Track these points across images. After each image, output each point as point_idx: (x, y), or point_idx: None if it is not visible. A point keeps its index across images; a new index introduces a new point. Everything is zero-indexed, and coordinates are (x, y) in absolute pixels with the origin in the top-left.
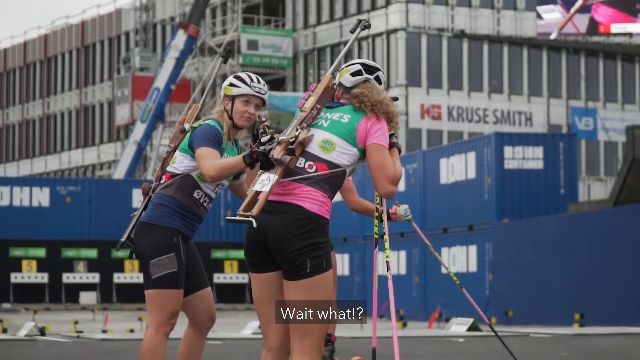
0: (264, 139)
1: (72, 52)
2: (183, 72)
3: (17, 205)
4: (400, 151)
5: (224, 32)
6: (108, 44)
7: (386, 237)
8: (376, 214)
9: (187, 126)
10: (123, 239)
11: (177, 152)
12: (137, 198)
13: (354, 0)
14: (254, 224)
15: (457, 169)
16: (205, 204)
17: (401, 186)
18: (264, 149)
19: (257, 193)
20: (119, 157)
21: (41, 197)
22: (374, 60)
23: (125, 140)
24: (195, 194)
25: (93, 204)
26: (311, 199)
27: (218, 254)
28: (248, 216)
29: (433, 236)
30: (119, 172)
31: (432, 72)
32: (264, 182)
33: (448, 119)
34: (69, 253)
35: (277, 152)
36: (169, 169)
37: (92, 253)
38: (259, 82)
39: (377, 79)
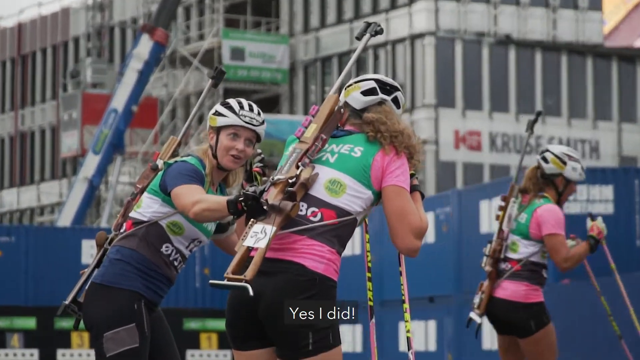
0: (250, 189)
1: (6, 64)
2: (148, 89)
3: None
4: (423, 196)
5: (201, 37)
6: (51, 53)
7: (406, 306)
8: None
9: (160, 163)
10: (67, 302)
11: (145, 195)
12: (89, 251)
13: None
14: (250, 292)
15: None
16: (176, 263)
17: (429, 236)
18: (254, 191)
19: (250, 250)
20: (65, 198)
21: None
22: (394, 75)
23: (73, 177)
24: (163, 249)
25: (31, 259)
26: (315, 256)
27: (192, 324)
28: (240, 280)
29: (471, 301)
30: (65, 218)
31: (469, 88)
32: (259, 236)
33: (490, 150)
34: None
35: (272, 196)
36: (132, 214)
37: (30, 323)
38: (251, 110)
39: (395, 100)
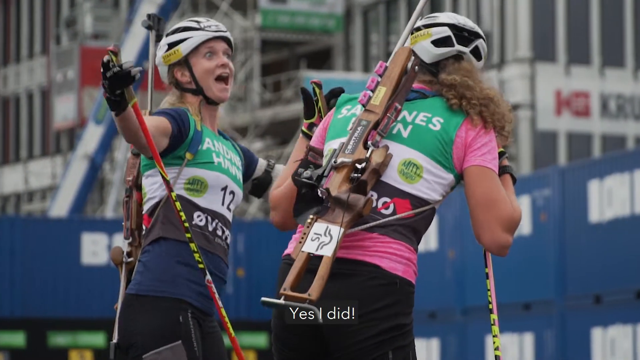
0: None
1: None
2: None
3: None
4: (515, 180)
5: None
6: None
7: (494, 316)
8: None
9: None
10: (115, 340)
11: (143, 179)
12: (89, 249)
13: None
14: (318, 317)
15: (617, 197)
16: (219, 233)
17: (523, 227)
18: (310, 177)
19: (311, 258)
20: (60, 180)
21: None
22: (478, 20)
23: (70, 153)
24: (196, 220)
25: (17, 258)
26: (392, 255)
27: (60, 339)
28: (303, 300)
29: (578, 308)
30: (60, 206)
31: (574, 37)
32: (322, 240)
33: (601, 115)
34: None
35: (335, 185)
36: (144, 209)
37: (18, 339)
38: (208, 20)
39: (476, 51)
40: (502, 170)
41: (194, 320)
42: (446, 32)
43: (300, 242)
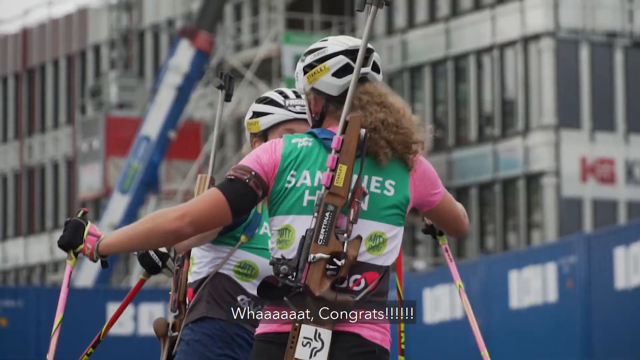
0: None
1: (8, 80)
2: (188, 110)
3: None
4: None
5: (256, 42)
6: (65, 66)
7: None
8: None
9: None
10: None
11: (193, 250)
12: (117, 319)
13: None
14: None
15: None
16: (246, 307)
17: (550, 294)
18: (284, 272)
19: None
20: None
21: None
22: (502, 88)
23: (96, 223)
24: (240, 302)
25: (43, 330)
26: (370, 324)
27: None
28: None
29: None
30: (86, 277)
31: (599, 104)
32: (314, 345)
33: (627, 182)
34: None
35: (314, 282)
36: (189, 281)
37: None
38: (297, 96)
39: (374, 66)
40: None
41: None
42: (343, 60)
43: (290, 348)
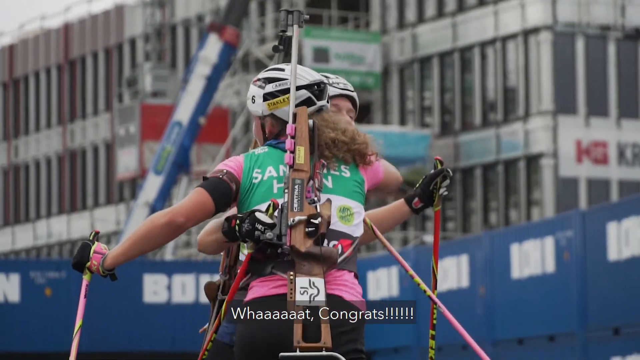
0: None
1: (51, 71)
2: (217, 98)
3: None
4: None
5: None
6: (104, 58)
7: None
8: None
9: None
10: None
11: None
12: (151, 288)
13: None
14: None
15: (634, 237)
16: None
17: (548, 265)
18: (272, 237)
19: (303, 326)
20: (123, 226)
21: (7, 288)
22: (504, 77)
23: (132, 201)
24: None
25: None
26: (349, 288)
27: None
28: (320, 349)
29: (598, 340)
30: None
31: (593, 91)
32: (311, 292)
33: (618, 163)
34: None
35: (298, 242)
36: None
37: None
38: (337, 77)
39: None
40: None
41: None
42: (305, 94)
43: (290, 297)
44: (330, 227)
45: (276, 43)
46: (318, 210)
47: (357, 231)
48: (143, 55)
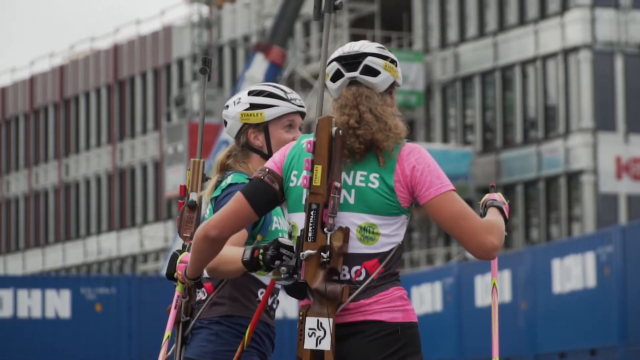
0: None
1: (101, 91)
2: None
3: (23, 317)
4: (504, 212)
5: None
6: (152, 78)
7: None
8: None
9: (194, 197)
10: None
11: None
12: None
13: (514, 7)
14: None
15: None
16: (274, 305)
17: (589, 281)
18: (287, 275)
19: (313, 354)
20: (172, 243)
21: (58, 304)
22: (545, 95)
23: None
24: (260, 296)
25: (134, 314)
26: (388, 307)
27: None
28: None
29: (637, 354)
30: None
31: (632, 109)
32: (317, 334)
33: None
34: None
35: (309, 276)
36: (204, 273)
37: None
38: (292, 91)
39: (368, 68)
40: (489, 205)
41: None
42: (335, 67)
43: (300, 340)
44: (350, 251)
45: (203, 64)
46: (328, 242)
47: (388, 245)
48: (190, 75)
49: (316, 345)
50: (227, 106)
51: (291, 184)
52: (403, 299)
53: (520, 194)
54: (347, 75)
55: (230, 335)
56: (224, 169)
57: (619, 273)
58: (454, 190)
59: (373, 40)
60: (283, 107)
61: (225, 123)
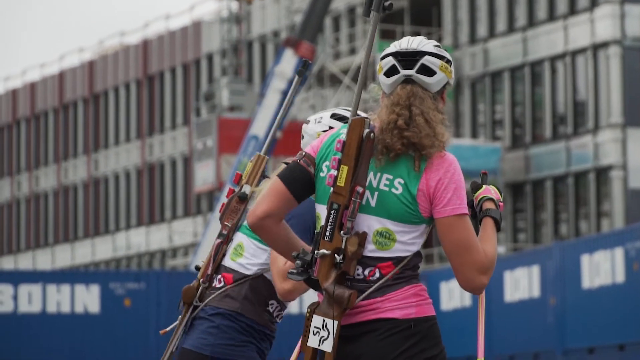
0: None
1: (130, 86)
2: (293, 112)
3: (52, 312)
4: (498, 224)
5: (352, 51)
6: (182, 73)
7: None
8: None
9: (247, 190)
10: None
11: (245, 240)
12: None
13: (543, 3)
14: None
15: None
16: (278, 320)
17: (618, 276)
18: (301, 269)
19: (315, 351)
20: (201, 238)
21: (87, 299)
22: (574, 90)
23: (209, 213)
24: (269, 307)
25: (164, 308)
26: (401, 304)
27: None
28: None
29: None
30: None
31: None
32: (322, 334)
33: None
34: None
35: (322, 275)
36: (230, 264)
37: None
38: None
39: (425, 68)
40: (484, 214)
41: None
42: (390, 62)
43: (305, 336)
44: (365, 254)
45: (303, 67)
46: (342, 246)
47: (403, 253)
48: (220, 70)
49: (319, 344)
50: (309, 122)
51: (321, 174)
52: (418, 295)
53: (550, 190)
54: (403, 72)
55: (233, 330)
56: None
57: None
58: (467, 214)
59: (402, 35)
60: None
61: (303, 137)
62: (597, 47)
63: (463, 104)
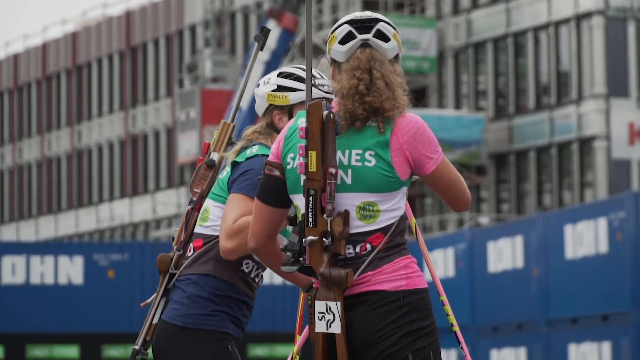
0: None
1: (113, 57)
2: None
3: (35, 283)
4: None
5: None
6: (165, 45)
7: (454, 325)
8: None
9: (215, 157)
10: (137, 346)
11: (211, 203)
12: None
13: None
14: None
15: None
16: (257, 280)
17: (602, 247)
18: (293, 257)
19: (326, 336)
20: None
21: (71, 270)
22: (557, 61)
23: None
24: (244, 267)
25: (147, 280)
26: (392, 276)
27: (258, 350)
28: None
29: None
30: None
31: None
32: (327, 317)
33: None
34: (113, 352)
35: (314, 261)
36: (198, 229)
37: (72, 352)
38: (322, 76)
39: (380, 34)
40: None
41: (236, 349)
42: (346, 29)
43: (311, 324)
44: (352, 231)
45: (260, 33)
46: (328, 228)
47: (390, 219)
48: (203, 42)
49: (327, 328)
50: (259, 84)
51: (288, 167)
52: (408, 267)
53: (533, 160)
54: (360, 37)
55: (204, 299)
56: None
57: (631, 239)
58: (440, 155)
59: (386, 6)
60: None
61: (254, 100)
62: (581, 18)
63: (446, 74)
